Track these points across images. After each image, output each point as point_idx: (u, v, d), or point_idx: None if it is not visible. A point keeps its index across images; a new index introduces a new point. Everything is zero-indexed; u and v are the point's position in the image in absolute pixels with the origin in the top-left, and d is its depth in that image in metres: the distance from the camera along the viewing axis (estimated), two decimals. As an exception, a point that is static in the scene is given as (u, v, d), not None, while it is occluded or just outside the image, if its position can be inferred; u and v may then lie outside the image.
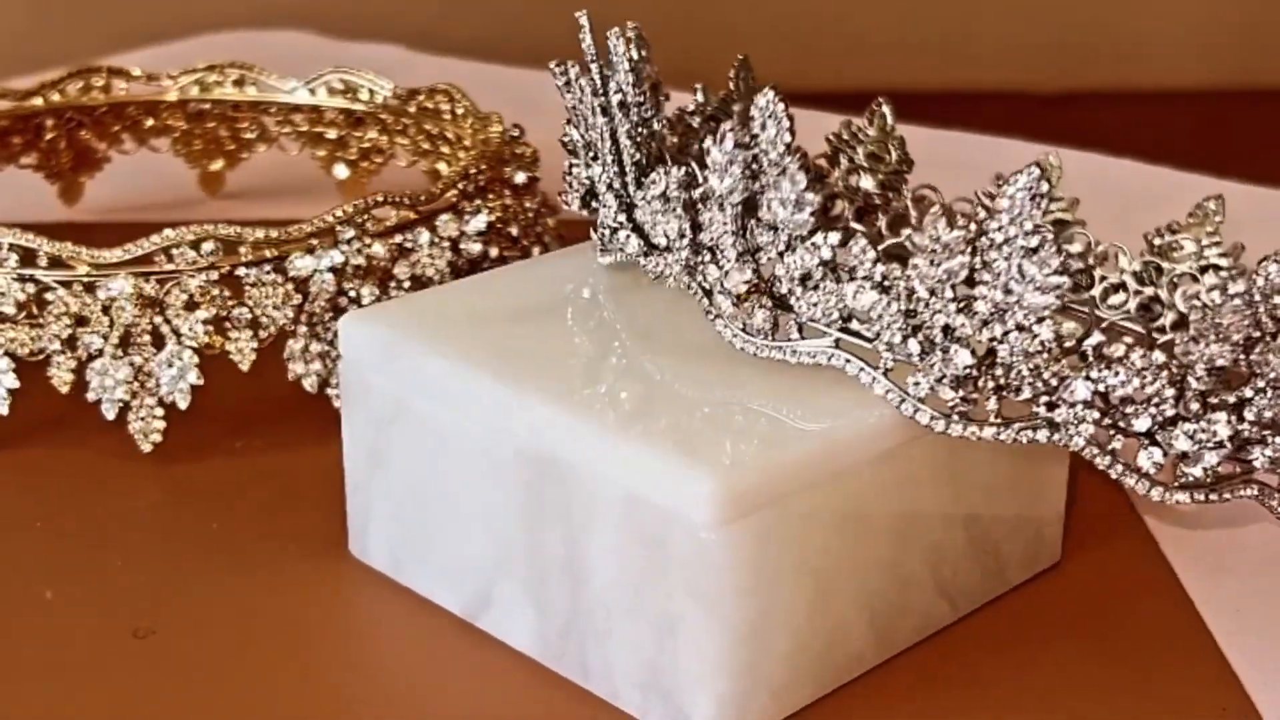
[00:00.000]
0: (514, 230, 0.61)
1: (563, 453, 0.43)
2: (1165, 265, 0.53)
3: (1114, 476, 0.43)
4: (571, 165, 0.51)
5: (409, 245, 0.57)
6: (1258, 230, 0.55)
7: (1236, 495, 0.43)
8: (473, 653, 0.46)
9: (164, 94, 0.74)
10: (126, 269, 0.54)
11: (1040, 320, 0.41)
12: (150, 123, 0.74)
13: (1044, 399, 0.42)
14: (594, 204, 0.49)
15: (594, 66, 0.49)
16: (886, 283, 0.42)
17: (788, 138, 0.42)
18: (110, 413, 0.54)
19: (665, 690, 0.42)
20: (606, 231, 0.48)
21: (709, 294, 0.45)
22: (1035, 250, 0.40)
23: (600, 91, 0.47)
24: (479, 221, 0.59)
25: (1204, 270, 0.53)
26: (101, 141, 0.74)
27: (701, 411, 0.43)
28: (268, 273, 0.55)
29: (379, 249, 0.56)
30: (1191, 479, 0.43)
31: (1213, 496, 0.43)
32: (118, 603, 0.48)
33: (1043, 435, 0.42)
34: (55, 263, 0.54)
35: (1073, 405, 0.42)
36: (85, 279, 0.54)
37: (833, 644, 0.44)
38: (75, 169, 0.74)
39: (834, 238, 0.42)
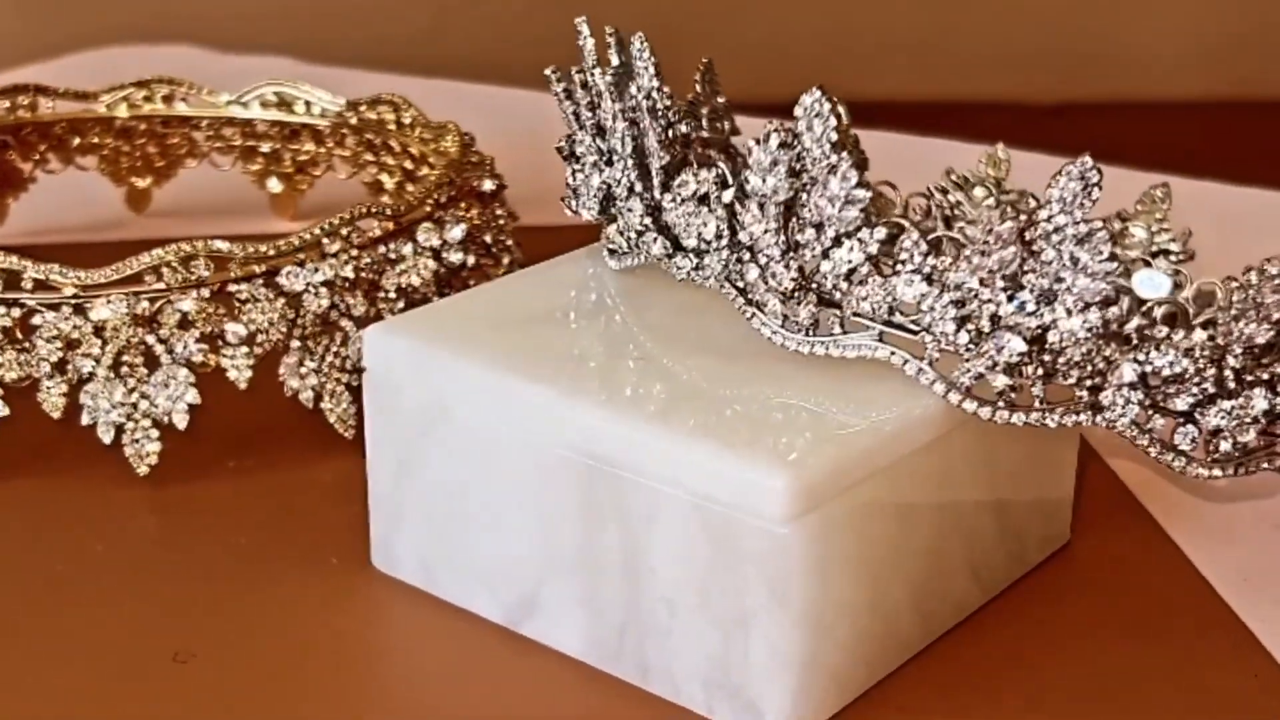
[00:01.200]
0: (488, 238, 0.61)
1: (621, 455, 0.43)
2: (1119, 252, 0.54)
3: (1151, 455, 0.44)
4: (575, 172, 0.51)
5: (393, 256, 0.57)
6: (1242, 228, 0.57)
7: (1260, 468, 0.45)
8: (518, 659, 0.46)
9: (92, 111, 0.72)
10: (115, 289, 0.53)
11: (1089, 306, 0.42)
12: (77, 141, 0.73)
13: (1087, 382, 0.43)
14: (610, 209, 0.50)
15: (595, 73, 0.49)
16: (934, 275, 0.43)
17: (834, 136, 0.43)
18: (107, 436, 0.53)
19: (733, 686, 0.43)
20: (633, 234, 0.48)
21: (743, 292, 0.46)
22: (1087, 238, 0.41)
23: (617, 96, 0.48)
24: (459, 230, 0.59)
25: (1155, 255, 0.55)
26: (26, 162, 0.72)
27: (753, 409, 0.44)
28: (260, 288, 0.54)
29: (367, 260, 0.56)
30: (1223, 454, 0.44)
31: (1240, 470, 0.45)
32: (151, 629, 0.47)
33: (1085, 418, 0.44)
34: (40, 285, 0.53)
35: (1119, 388, 0.43)
36: (73, 300, 0.53)
37: (885, 631, 0.45)
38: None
39: (880, 232, 0.43)
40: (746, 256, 0.45)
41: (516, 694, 0.45)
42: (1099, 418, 0.44)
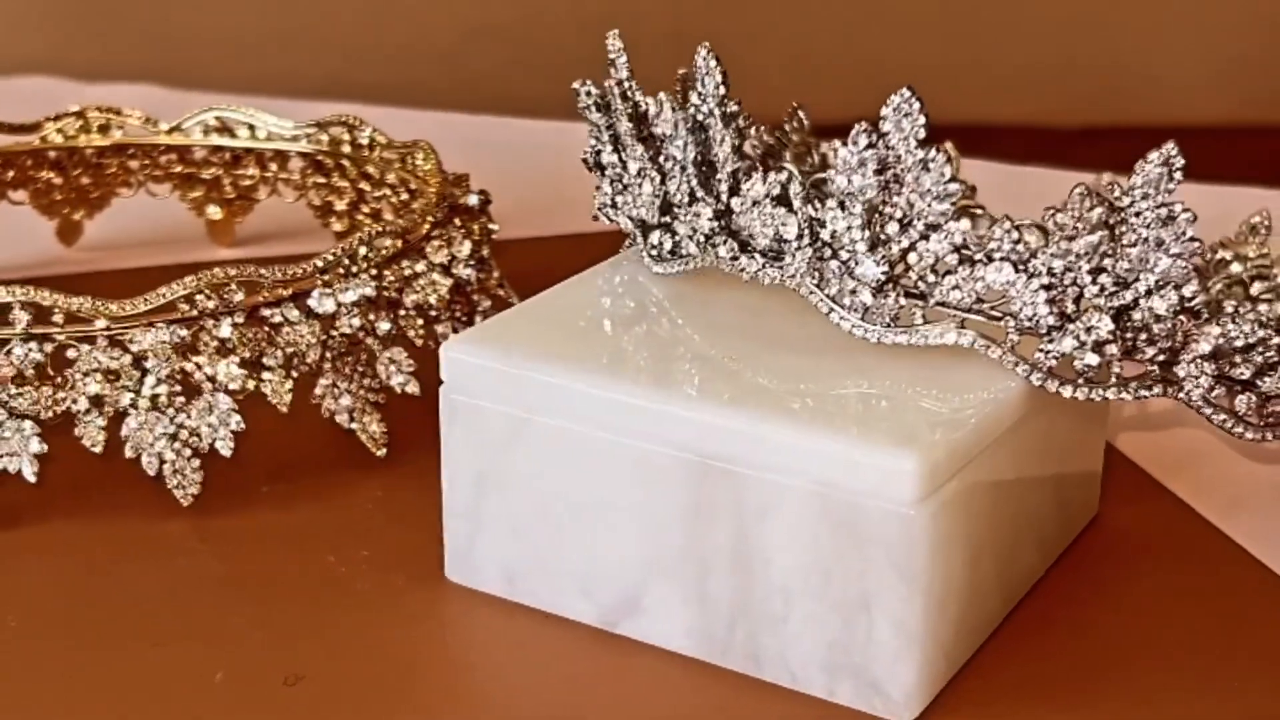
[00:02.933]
0: (485, 252, 0.61)
1: (735, 451, 0.45)
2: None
3: (1214, 423, 0.47)
4: (611, 182, 0.52)
5: (408, 274, 0.57)
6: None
7: None
8: (620, 658, 0.47)
9: (26, 144, 0.71)
10: (148, 319, 0.53)
11: (1171, 285, 0.45)
12: (11, 174, 0.71)
13: (1160, 357, 0.46)
14: (666, 218, 0.51)
15: (623, 88, 0.50)
16: (1023, 261, 0.45)
17: (921, 133, 0.45)
18: (153, 468, 0.52)
19: (856, 667, 0.45)
20: (700, 238, 0.49)
21: (820, 288, 0.47)
22: (1170, 220, 0.44)
23: (678, 106, 0.49)
24: (468, 246, 0.59)
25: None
26: (-43, 198, 0.70)
27: (856, 399, 0.45)
28: (292, 310, 0.54)
29: (390, 279, 0.56)
30: (1275, 418, 0.48)
31: (1292, 432, 0.48)
32: (245, 657, 0.47)
33: (1157, 391, 0.46)
34: (70, 319, 0.52)
35: (1193, 360, 0.46)
36: (107, 333, 0.52)
37: (980, 604, 0.47)
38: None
39: (965, 223, 0.45)
40: (827, 254, 0.47)
41: (624, 692, 0.46)
42: (1170, 390, 0.46)
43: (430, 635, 0.49)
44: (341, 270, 0.55)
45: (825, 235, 0.47)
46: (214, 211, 0.74)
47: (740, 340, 0.49)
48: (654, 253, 0.52)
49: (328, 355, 0.55)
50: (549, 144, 0.87)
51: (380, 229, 0.57)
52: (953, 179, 0.45)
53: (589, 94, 0.53)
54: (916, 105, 0.45)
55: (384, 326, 0.56)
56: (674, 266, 0.51)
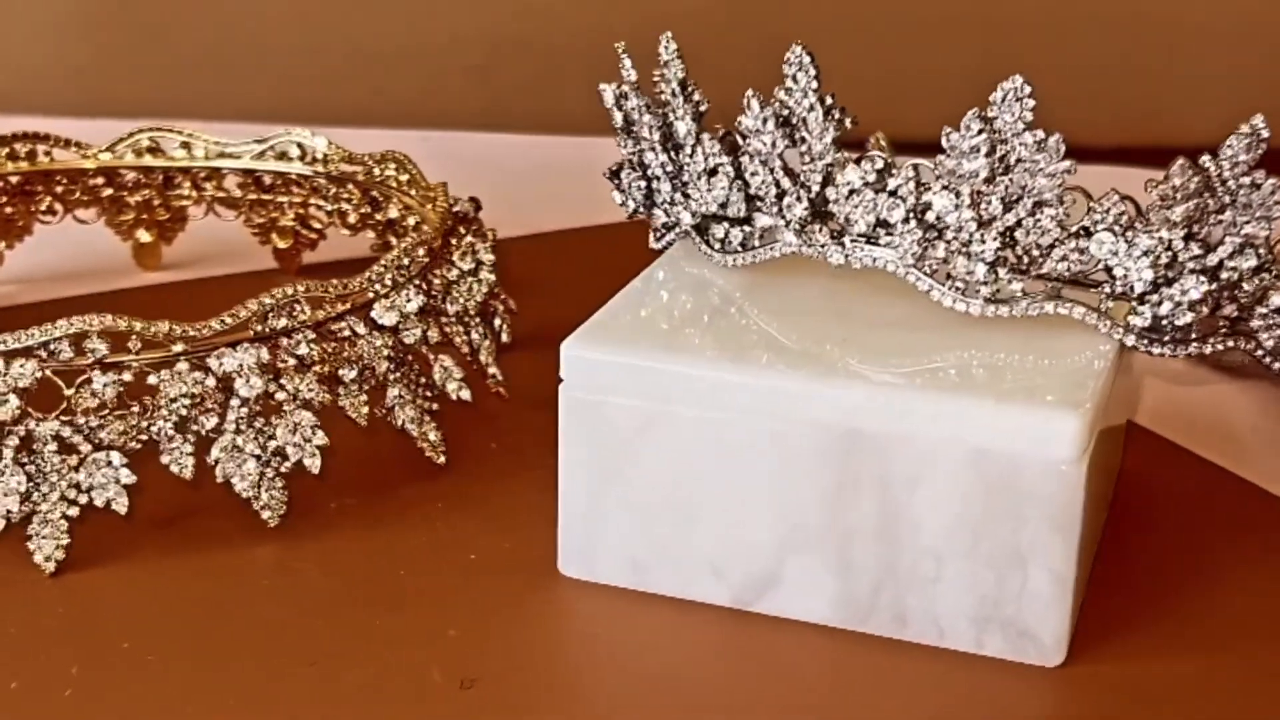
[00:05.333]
0: (492, 257, 0.62)
1: (887, 424, 0.47)
2: None
3: (1275, 369, 0.52)
4: (663, 182, 0.54)
5: (448, 282, 0.58)
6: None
7: None
8: (760, 634, 0.49)
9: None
10: (225, 339, 0.52)
11: (1253, 245, 0.49)
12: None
13: (1236, 313, 0.50)
14: (741, 211, 0.53)
15: (686, 88, 0.52)
16: (1123, 230, 0.49)
17: (1029, 117, 0.48)
18: (247, 490, 0.52)
19: (1006, 618, 0.48)
20: (797, 227, 0.52)
21: (917, 265, 0.50)
22: (1258, 187, 0.49)
23: (766, 104, 0.51)
24: (488, 251, 0.60)
25: None
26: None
27: (986, 366, 0.48)
28: (359, 324, 0.54)
29: (438, 288, 0.57)
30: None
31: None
32: (406, 664, 0.47)
33: (1232, 343, 0.51)
34: (146, 345, 0.52)
35: (1265, 314, 0.50)
36: (184, 356, 0.52)
37: (1091, 545, 0.51)
38: None
39: (1068, 199, 0.49)
40: (933, 235, 0.50)
41: (772, 664, 0.48)
42: (1241, 343, 0.51)
43: (568, 630, 0.50)
44: (389, 281, 0.56)
45: (930, 218, 0.49)
46: (144, 235, 0.72)
47: (841, 322, 0.51)
48: (720, 246, 0.54)
49: (391, 366, 0.55)
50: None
51: (417, 240, 0.57)
52: (1065, 156, 0.48)
53: (626, 96, 0.54)
54: (1026, 90, 0.48)
55: (434, 335, 0.56)
56: (746, 258, 0.53)
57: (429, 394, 0.56)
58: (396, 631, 0.49)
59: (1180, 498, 0.57)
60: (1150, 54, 0.90)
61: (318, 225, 0.70)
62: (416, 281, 0.56)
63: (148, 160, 0.71)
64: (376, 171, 0.67)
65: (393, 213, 0.67)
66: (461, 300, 0.58)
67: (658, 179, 0.55)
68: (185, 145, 0.70)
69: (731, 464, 0.49)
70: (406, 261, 0.56)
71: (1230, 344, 0.51)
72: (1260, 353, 0.51)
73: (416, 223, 0.64)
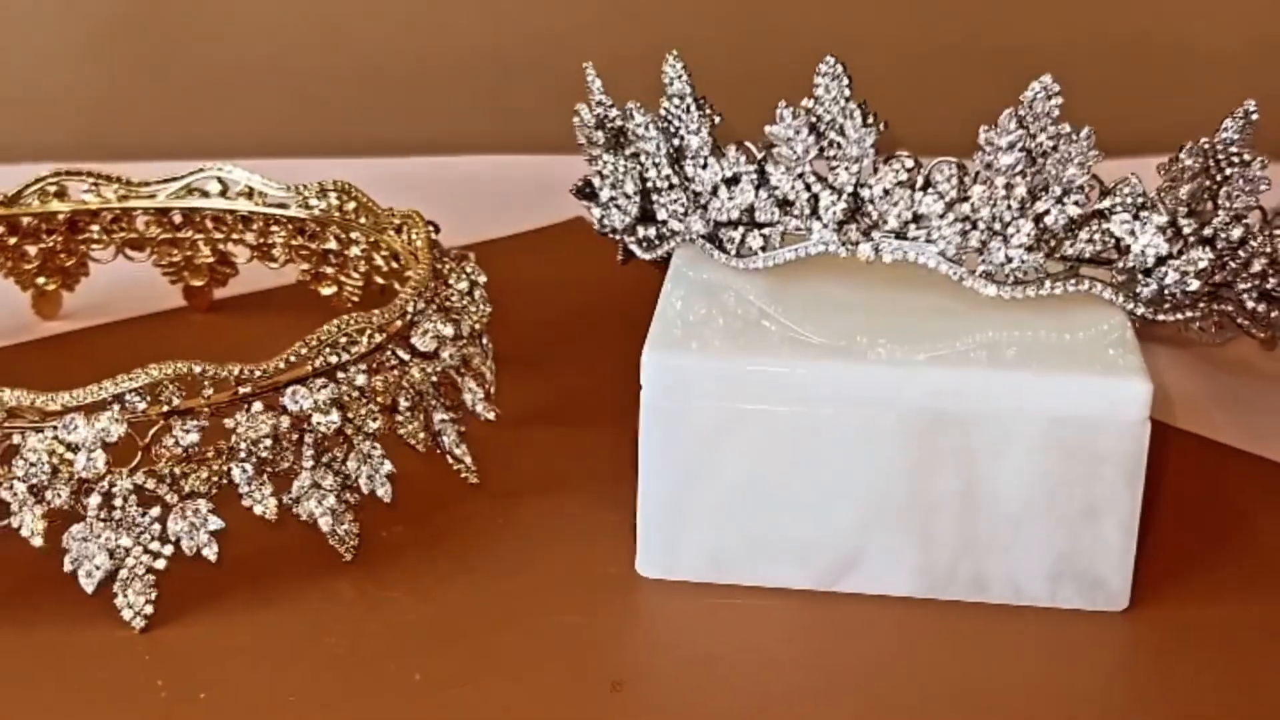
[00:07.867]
0: (485, 277, 0.63)
1: (965, 401, 0.51)
2: None
3: (1249, 332, 0.58)
4: (675, 192, 0.57)
5: (461, 304, 0.59)
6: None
7: None
8: (844, 610, 0.52)
9: None
10: (287, 377, 0.52)
11: (1241, 218, 0.55)
12: None
13: (1226, 278, 0.56)
14: (768, 215, 0.56)
15: (700, 104, 0.55)
16: (1140, 212, 0.54)
17: (1056, 112, 0.53)
18: (327, 526, 0.52)
19: (1079, 571, 0.52)
20: (834, 225, 0.55)
21: (944, 254, 0.54)
22: (1247, 164, 0.54)
23: (797, 113, 0.54)
24: (478, 271, 0.61)
25: None
26: None
27: (1039, 342, 0.53)
28: (403, 352, 0.55)
29: (457, 311, 0.58)
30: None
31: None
32: (551, 671, 0.49)
33: (1218, 307, 0.57)
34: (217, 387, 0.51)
35: (1247, 278, 0.56)
36: (255, 397, 0.51)
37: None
38: None
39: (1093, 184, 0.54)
40: (968, 226, 0.54)
41: (862, 638, 0.51)
42: (1228, 305, 0.57)
43: (666, 629, 0.52)
44: (419, 307, 0.56)
45: (966, 209, 0.53)
46: (44, 282, 0.70)
47: (881, 313, 0.55)
48: (737, 250, 0.56)
49: (434, 391, 0.56)
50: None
51: (433, 267, 0.58)
52: (1095, 145, 0.53)
53: (631, 115, 0.57)
54: (1056, 88, 0.52)
55: (456, 358, 0.57)
56: (765, 260, 0.56)
57: (458, 416, 0.57)
58: (513, 647, 0.50)
59: (1190, 457, 0.62)
60: (1158, 74, 0.96)
61: (238, 260, 0.70)
62: (435, 305, 0.57)
63: (54, 205, 0.68)
64: (314, 202, 0.67)
65: (331, 244, 0.67)
66: (470, 321, 0.59)
67: (660, 191, 0.57)
68: (94, 188, 0.68)
69: (815, 453, 0.52)
70: (427, 289, 0.57)
71: (1217, 307, 0.56)
72: (1241, 319, 0.57)
73: (394, 253, 0.64)
